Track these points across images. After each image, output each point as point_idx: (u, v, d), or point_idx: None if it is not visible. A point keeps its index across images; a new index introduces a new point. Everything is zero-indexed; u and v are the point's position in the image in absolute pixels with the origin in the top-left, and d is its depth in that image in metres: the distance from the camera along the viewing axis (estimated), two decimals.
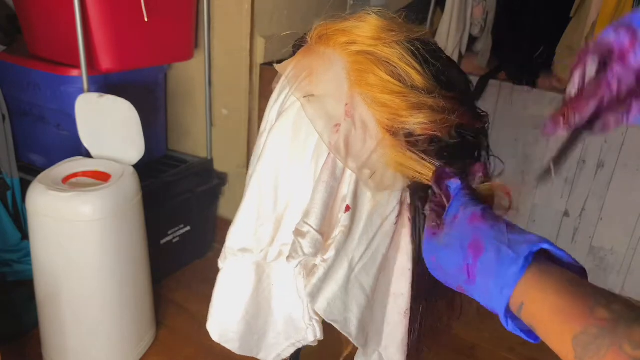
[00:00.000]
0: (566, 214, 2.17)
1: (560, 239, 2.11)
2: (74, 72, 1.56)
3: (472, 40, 2.23)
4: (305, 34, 0.59)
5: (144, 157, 1.46)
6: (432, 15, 2.20)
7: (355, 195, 0.53)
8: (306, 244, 0.51)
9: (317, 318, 0.57)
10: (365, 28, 0.53)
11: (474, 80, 2.17)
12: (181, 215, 1.89)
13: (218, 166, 2.05)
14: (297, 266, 0.54)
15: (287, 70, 0.57)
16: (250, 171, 0.60)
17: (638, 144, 1.93)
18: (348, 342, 0.59)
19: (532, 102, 2.08)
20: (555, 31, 1.97)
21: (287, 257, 0.53)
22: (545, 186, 2.16)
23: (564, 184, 2.12)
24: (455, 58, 2.16)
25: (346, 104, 0.52)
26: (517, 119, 2.12)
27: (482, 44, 2.17)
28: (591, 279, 0.41)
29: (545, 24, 2.01)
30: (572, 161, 2.07)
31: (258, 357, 0.63)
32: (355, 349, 0.62)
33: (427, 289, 0.58)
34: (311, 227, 0.52)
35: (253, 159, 0.61)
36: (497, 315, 0.42)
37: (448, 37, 2.07)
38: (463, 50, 2.18)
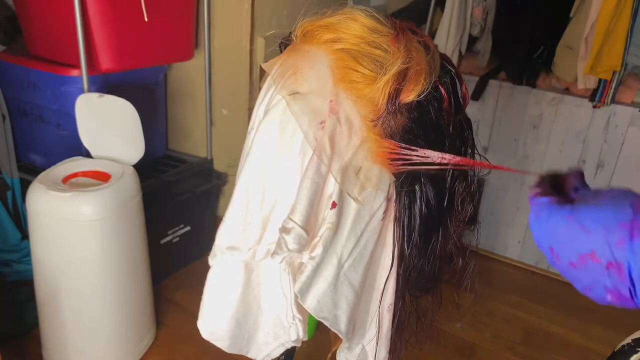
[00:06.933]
0: None
1: None
2: (74, 72, 1.56)
3: (472, 40, 2.23)
4: (291, 32, 0.59)
5: (144, 157, 1.46)
6: (432, 15, 2.20)
7: (342, 192, 0.53)
8: (290, 240, 0.51)
9: (300, 317, 0.57)
10: (354, 26, 0.53)
11: (474, 80, 2.17)
12: (181, 215, 1.89)
13: (218, 166, 2.05)
14: (281, 262, 0.54)
15: (273, 68, 0.57)
16: (238, 169, 0.60)
17: (638, 144, 1.93)
18: (337, 338, 0.59)
19: (532, 102, 2.08)
20: (555, 31, 1.97)
21: (272, 254, 0.53)
22: None
23: None
24: (455, 58, 2.15)
25: (330, 101, 0.52)
26: (517, 119, 2.12)
27: (482, 44, 2.17)
28: None
29: (545, 24, 2.00)
30: (572, 161, 2.08)
31: (248, 356, 0.63)
32: None
33: (411, 285, 0.58)
34: (296, 223, 0.52)
35: (242, 157, 0.61)
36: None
37: (448, 37, 2.07)
38: (463, 50, 2.18)
